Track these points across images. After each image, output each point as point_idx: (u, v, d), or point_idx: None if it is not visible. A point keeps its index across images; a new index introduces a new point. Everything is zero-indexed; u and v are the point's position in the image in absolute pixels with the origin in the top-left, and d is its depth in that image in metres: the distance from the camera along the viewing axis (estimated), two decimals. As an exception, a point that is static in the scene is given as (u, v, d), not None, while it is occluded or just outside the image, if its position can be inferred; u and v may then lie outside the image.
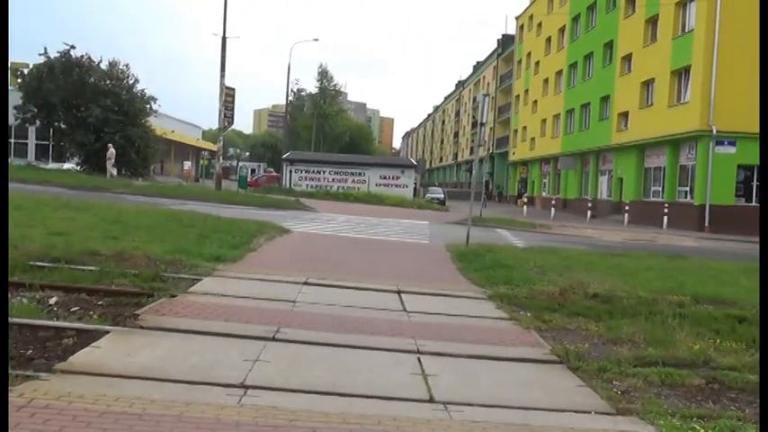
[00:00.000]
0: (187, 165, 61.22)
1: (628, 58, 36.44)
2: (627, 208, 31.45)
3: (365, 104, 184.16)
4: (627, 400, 5.07)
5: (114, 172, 32.11)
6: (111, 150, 32.28)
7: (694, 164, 29.36)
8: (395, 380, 4.98)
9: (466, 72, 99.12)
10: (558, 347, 6.33)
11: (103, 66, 37.64)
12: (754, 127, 27.07)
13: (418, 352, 5.79)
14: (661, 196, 31.96)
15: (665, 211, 28.88)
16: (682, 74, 30.68)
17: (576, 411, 4.68)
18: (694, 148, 29.33)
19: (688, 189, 30.12)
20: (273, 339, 5.75)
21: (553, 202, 36.51)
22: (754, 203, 28.48)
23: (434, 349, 5.91)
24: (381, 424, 4.03)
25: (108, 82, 37.20)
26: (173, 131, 56.39)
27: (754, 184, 28.69)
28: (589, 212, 33.16)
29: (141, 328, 5.72)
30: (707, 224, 27.59)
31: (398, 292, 8.50)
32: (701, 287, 10.43)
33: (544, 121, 51.23)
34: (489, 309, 8.20)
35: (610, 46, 39.19)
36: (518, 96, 60.61)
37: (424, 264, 12.28)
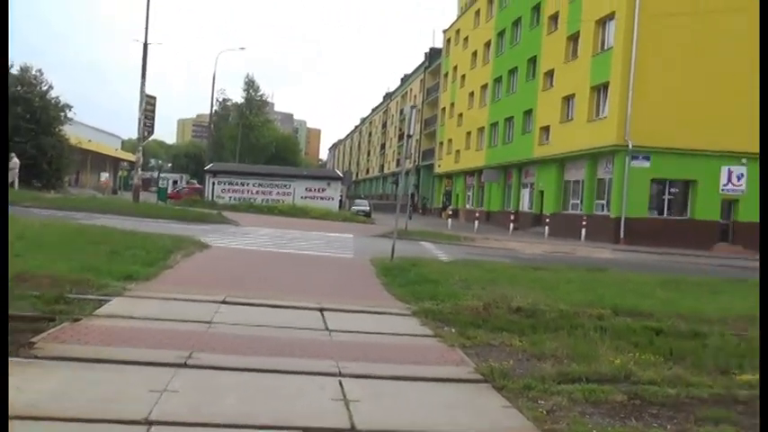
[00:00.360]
0: (104, 176, 58.82)
1: (550, 74, 37.53)
2: (547, 220, 32.25)
3: (292, 115, 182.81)
4: (552, 420, 4.98)
5: (15, 183, 30.21)
6: (15, 160, 30.51)
7: (611, 177, 30.41)
8: (315, 407, 4.72)
9: (394, 84, 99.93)
10: (482, 365, 6.23)
11: (14, 71, 35.72)
12: (667, 142, 28.39)
13: (340, 374, 5.55)
14: (579, 209, 32.94)
15: (584, 223, 29.75)
16: (600, 90, 31.81)
17: (501, 435, 4.54)
18: (611, 162, 30.40)
19: (605, 202, 31.16)
20: (185, 366, 5.38)
21: (477, 214, 37.06)
22: (665, 216, 29.75)
23: (357, 371, 5.68)
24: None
25: (19, 88, 35.31)
26: (89, 141, 54.12)
27: (666, 197, 29.97)
28: (511, 225, 33.81)
29: (36, 357, 5.23)
30: (622, 236, 28.59)
31: (321, 310, 8.24)
32: (620, 299, 10.64)
33: (469, 134, 52.13)
34: (414, 325, 8.05)
35: (533, 61, 40.28)
36: (444, 109, 61.53)
37: (348, 279, 12.06)
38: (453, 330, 7.83)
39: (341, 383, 5.30)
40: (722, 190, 29.29)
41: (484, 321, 8.36)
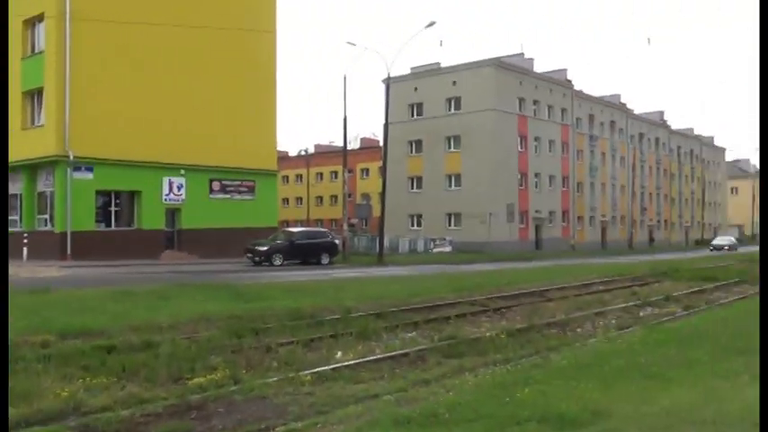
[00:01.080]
0: None
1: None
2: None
3: None
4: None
5: None
6: None
7: (53, 190, 28.49)
8: None
9: None
10: None
11: None
12: (111, 153, 28.23)
13: None
14: (20, 226, 29.87)
15: (25, 241, 27.08)
16: (35, 96, 29.41)
17: None
18: (52, 174, 28.48)
19: (48, 216, 29.03)
20: None
21: None
22: (113, 227, 29.55)
23: None
24: None
25: None
26: None
27: (113, 209, 29.75)
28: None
29: None
30: (69, 252, 27.10)
31: None
32: (69, 320, 9.86)
33: None
34: None
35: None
36: None
37: None
38: None
39: None
40: (165, 199, 30.69)
41: None
